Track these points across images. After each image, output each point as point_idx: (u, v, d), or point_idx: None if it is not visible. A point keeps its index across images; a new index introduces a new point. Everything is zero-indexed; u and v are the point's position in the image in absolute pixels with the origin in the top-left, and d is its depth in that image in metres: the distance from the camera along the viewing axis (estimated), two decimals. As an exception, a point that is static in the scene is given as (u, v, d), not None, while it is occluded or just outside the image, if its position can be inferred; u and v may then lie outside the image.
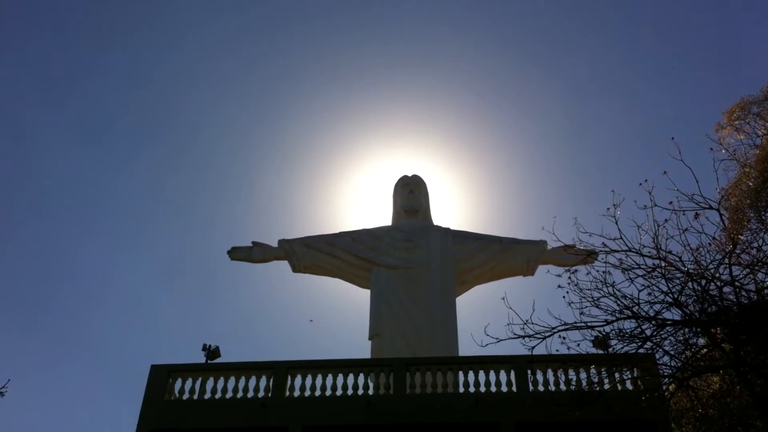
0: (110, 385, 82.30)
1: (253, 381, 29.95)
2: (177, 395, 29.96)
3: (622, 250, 21.56)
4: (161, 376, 30.20)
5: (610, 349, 22.37)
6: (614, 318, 21.39)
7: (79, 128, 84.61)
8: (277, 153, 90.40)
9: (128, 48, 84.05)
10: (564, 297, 21.75)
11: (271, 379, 29.80)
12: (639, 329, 21.40)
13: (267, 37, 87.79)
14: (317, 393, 29.52)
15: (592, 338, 22.34)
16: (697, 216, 21.24)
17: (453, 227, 42.25)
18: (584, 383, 26.55)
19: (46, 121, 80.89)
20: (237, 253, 40.99)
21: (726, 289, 21.59)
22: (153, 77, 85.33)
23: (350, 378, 29.78)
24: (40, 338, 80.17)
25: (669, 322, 21.28)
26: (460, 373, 29.76)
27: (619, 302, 21.42)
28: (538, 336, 21.25)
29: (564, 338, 21.43)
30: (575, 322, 21.44)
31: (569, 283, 21.84)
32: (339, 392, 29.46)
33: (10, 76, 77.17)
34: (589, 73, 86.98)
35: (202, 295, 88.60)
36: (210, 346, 31.48)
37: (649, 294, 21.47)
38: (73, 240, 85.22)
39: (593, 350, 23.03)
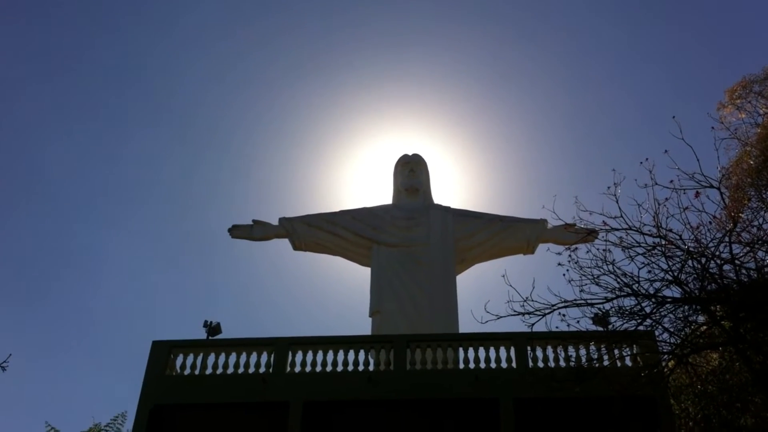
0: (112, 361, 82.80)
1: (254, 357, 30.11)
2: (178, 371, 30.13)
3: (623, 229, 21.64)
4: (163, 352, 30.36)
5: (610, 326, 22.51)
6: (614, 295, 21.53)
7: (74, 108, 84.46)
8: (277, 131, 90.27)
9: (123, 27, 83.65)
10: (564, 275, 21.89)
11: (272, 355, 29.96)
12: (639, 306, 21.55)
13: (264, 17, 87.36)
14: (318, 369, 29.70)
15: (592, 315, 22.52)
16: (697, 194, 21.28)
17: (453, 206, 42.29)
18: (584, 360, 26.73)
19: (40, 101, 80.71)
20: (237, 231, 41.04)
21: (726, 267, 21.71)
22: (149, 57, 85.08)
23: (351, 354, 29.95)
24: (40, 316, 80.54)
25: (669, 300, 21.41)
26: (460, 350, 29.91)
27: (619, 280, 21.55)
28: (538, 313, 21.42)
29: (564, 315, 21.62)
30: (575, 300, 21.60)
31: (569, 261, 21.99)
32: (340, 368, 29.64)
33: (3, 55, 76.84)
34: (589, 51, 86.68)
35: (203, 273, 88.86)
36: (211, 322, 31.57)
37: (649, 272, 21.62)
38: (70, 219, 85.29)
39: (593, 327, 23.18)
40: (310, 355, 30.11)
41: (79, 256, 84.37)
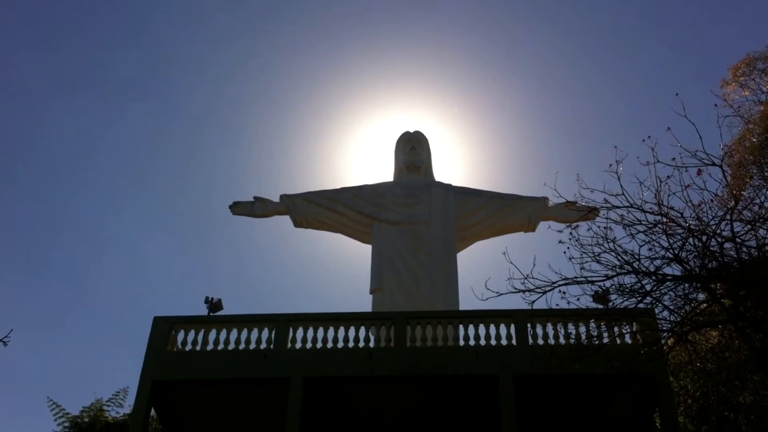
0: (112, 336, 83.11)
1: (255, 333, 30.20)
2: (180, 347, 30.25)
3: (624, 206, 21.53)
4: (164, 327, 30.46)
5: (610, 304, 22.51)
6: (614, 273, 21.46)
7: (73, 76, 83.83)
8: (278, 107, 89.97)
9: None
10: (565, 252, 21.79)
11: (273, 331, 30.06)
12: (639, 284, 21.49)
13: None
14: (318, 345, 29.82)
15: (592, 293, 22.49)
16: (699, 172, 21.14)
17: (455, 183, 42.26)
18: (583, 337, 26.82)
19: (39, 69, 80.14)
20: (239, 208, 41.03)
21: (727, 245, 21.64)
22: (150, 24, 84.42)
23: (351, 331, 30.04)
24: (41, 290, 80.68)
25: (669, 278, 21.37)
26: (461, 327, 30.02)
27: (619, 258, 21.47)
28: (539, 290, 21.34)
29: (564, 293, 21.53)
30: (575, 277, 21.51)
31: (570, 239, 21.86)
32: (340, 344, 29.74)
33: (2, 23, 76.34)
34: (592, 26, 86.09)
35: (205, 249, 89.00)
36: (212, 298, 31.63)
37: (650, 250, 21.52)
38: (69, 191, 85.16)
39: (593, 305, 23.20)
40: (310, 332, 30.20)
41: (79, 229, 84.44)
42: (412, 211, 39.75)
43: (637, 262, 21.37)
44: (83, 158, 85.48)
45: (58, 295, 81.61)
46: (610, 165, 21.53)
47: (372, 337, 29.97)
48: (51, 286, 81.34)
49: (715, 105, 23.12)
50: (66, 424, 37.73)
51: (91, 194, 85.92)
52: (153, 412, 30.18)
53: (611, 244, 21.46)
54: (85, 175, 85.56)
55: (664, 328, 22.52)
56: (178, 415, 30.88)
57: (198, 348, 30.06)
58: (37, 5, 78.56)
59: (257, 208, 40.90)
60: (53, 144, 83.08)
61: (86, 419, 37.74)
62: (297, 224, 41.01)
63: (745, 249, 21.71)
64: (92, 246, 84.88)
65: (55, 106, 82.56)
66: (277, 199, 41.03)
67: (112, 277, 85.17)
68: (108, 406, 38.65)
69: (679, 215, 21.43)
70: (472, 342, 29.38)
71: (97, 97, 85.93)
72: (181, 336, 30.53)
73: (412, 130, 44.06)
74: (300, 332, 30.21)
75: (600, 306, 23.28)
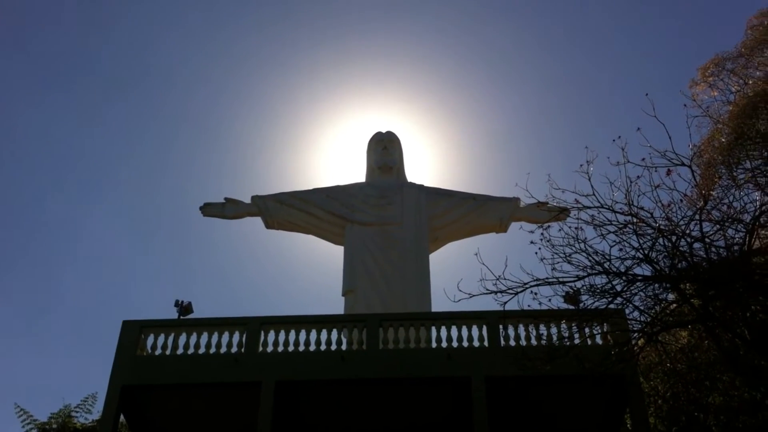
0: (80, 341, 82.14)
1: (226, 336, 29.88)
2: (149, 351, 29.83)
3: (595, 207, 21.66)
4: (133, 331, 30.01)
5: (581, 305, 22.57)
6: (585, 274, 21.57)
7: (47, 77, 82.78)
8: (251, 108, 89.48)
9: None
10: (536, 253, 21.85)
11: (245, 335, 29.77)
12: (610, 285, 21.61)
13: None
14: (291, 348, 29.55)
15: (564, 294, 22.55)
16: (669, 172, 21.33)
17: (427, 184, 42.21)
18: (555, 338, 26.84)
19: (12, 69, 78.99)
20: (210, 210, 40.64)
21: (696, 245, 21.82)
22: (122, 23, 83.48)
23: (324, 333, 29.82)
24: (7, 293, 79.36)
25: (639, 278, 21.49)
26: (433, 329, 29.91)
27: (590, 258, 21.58)
28: (510, 291, 21.37)
29: (536, 294, 21.59)
30: (547, 278, 21.59)
31: (541, 240, 21.94)
32: (312, 347, 29.51)
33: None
34: (561, 26, 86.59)
35: (175, 251, 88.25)
36: (182, 302, 31.25)
37: (620, 250, 21.67)
38: (40, 193, 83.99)
39: (564, 305, 23.25)
40: (282, 335, 29.93)
41: (49, 231, 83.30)
42: (385, 211, 39.62)
43: (608, 263, 21.48)
44: (53, 159, 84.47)
45: (26, 299, 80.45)
46: (581, 165, 21.65)
47: (344, 340, 29.77)
48: (18, 289, 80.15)
49: (685, 105, 23.30)
50: (34, 431, 37.17)
51: (61, 195, 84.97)
52: (122, 417, 29.76)
53: (582, 245, 21.57)
54: (54, 176, 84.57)
55: (635, 329, 22.64)
56: (148, 420, 30.47)
57: (168, 352, 29.67)
58: (8, 3, 77.40)
59: (228, 209, 40.53)
60: (23, 144, 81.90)
61: (54, 426, 37.25)
62: (268, 226, 40.70)
63: (714, 249, 21.89)
64: (61, 248, 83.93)
65: (26, 106, 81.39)
66: (248, 201, 40.71)
67: (81, 280, 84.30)
68: (77, 412, 38.20)
69: (649, 215, 21.60)
70: (444, 344, 29.30)
71: (69, 97, 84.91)
72: (150, 340, 30.13)
73: (384, 131, 43.96)
74: (272, 335, 29.94)
75: (571, 307, 23.36)
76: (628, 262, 21.57)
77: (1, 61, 77.99)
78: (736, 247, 22.17)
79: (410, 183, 42.16)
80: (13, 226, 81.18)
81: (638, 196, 21.43)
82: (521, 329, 29.30)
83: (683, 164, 21.38)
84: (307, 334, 29.83)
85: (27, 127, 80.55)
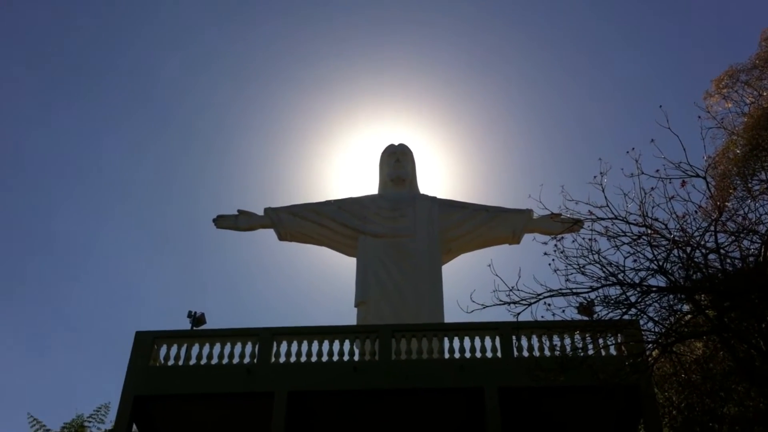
0: (94, 351, 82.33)
1: (238, 347, 29.92)
2: (162, 361, 29.94)
3: (609, 218, 21.56)
4: (146, 342, 30.13)
5: (595, 316, 22.48)
6: (599, 285, 21.47)
7: (57, 90, 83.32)
8: (263, 120, 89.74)
9: (109, 7, 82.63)
10: (550, 264, 21.79)
11: (257, 346, 29.80)
12: (624, 296, 21.50)
13: (244, 8, 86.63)
14: (303, 359, 29.56)
15: (577, 305, 22.47)
16: (683, 184, 21.23)
17: (440, 196, 42.24)
18: (568, 349, 26.74)
19: (23, 82, 79.57)
20: (223, 222, 40.81)
21: (711, 257, 21.71)
22: (134, 39, 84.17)
23: (336, 344, 29.82)
24: (20, 305, 79.63)
25: (654, 289, 21.38)
26: (446, 340, 29.87)
27: (604, 269, 21.48)
28: (524, 302, 21.28)
29: (549, 305, 21.48)
30: (561, 289, 21.49)
31: (555, 251, 21.87)
32: (325, 358, 29.51)
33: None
34: (576, 39, 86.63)
35: (188, 263, 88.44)
36: (195, 313, 31.35)
37: (635, 261, 21.57)
38: (53, 206, 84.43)
39: (578, 317, 23.16)
40: (294, 345, 29.95)
41: (62, 242, 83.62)
42: (397, 224, 39.70)
43: (622, 274, 21.37)
44: (65, 172, 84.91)
45: (40, 309, 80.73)
46: (595, 177, 21.57)
47: (357, 351, 29.78)
48: (32, 299, 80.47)
49: (699, 117, 23.37)
50: (47, 441, 37.22)
51: (74, 207, 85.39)
52: (135, 427, 29.77)
53: (596, 256, 21.47)
54: (67, 187, 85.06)
55: (649, 340, 22.52)
56: (161, 430, 30.48)
57: (181, 363, 29.74)
58: (15, 15, 78.10)
59: (241, 221, 40.68)
60: (35, 156, 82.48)
61: (67, 435, 37.24)
62: (281, 237, 40.80)
63: (729, 260, 21.78)
64: (74, 259, 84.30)
65: (36, 120, 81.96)
66: (261, 213, 40.84)
67: (95, 291, 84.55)
68: (89, 422, 38.12)
69: (663, 227, 21.50)
70: (457, 355, 29.25)
71: (79, 110, 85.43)
72: (163, 350, 30.23)
73: (396, 143, 44.09)
74: (284, 346, 29.97)
75: (585, 318, 23.27)
76: (643, 273, 21.47)
77: (13, 74, 78.80)
78: (751, 258, 22.06)
79: (423, 195, 42.21)
80: (26, 238, 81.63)
81: (652, 207, 21.35)
82: (534, 340, 29.21)
83: (698, 176, 21.30)
84: (320, 345, 29.84)
85: (38, 140, 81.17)
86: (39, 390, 74.11)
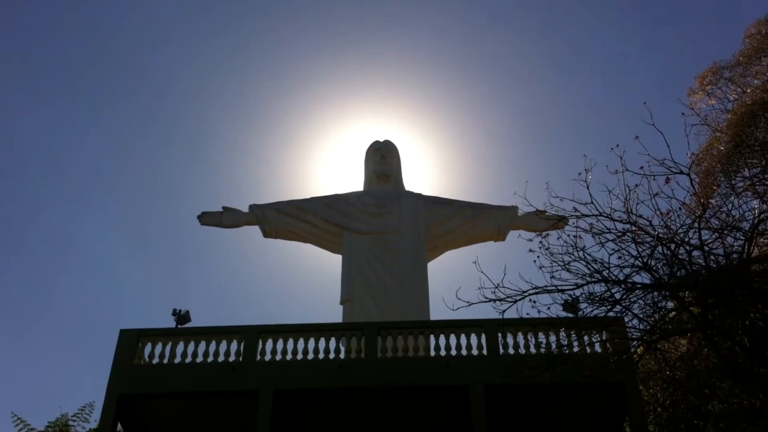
0: (78, 349, 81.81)
1: (223, 345, 29.81)
2: (147, 360, 29.76)
3: (593, 215, 21.64)
4: (131, 340, 29.94)
5: (580, 313, 22.54)
6: (584, 282, 21.52)
7: (40, 86, 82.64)
8: (248, 117, 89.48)
9: (92, 1, 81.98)
10: (535, 261, 21.83)
11: (242, 343, 29.70)
12: (609, 293, 21.57)
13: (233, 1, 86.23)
14: (288, 357, 29.49)
15: (563, 302, 22.53)
16: (667, 181, 21.33)
17: (425, 193, 42.21)
18: (554, 346, 26.81)
19: (6, 78, 78.86)
20: (207, 218, 40.55)
21: (695, 253, 21.79)
22: (117, 34, 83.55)
23: (321, 342, 29.76)
24: (3, 301, 78.95)
25: (638, 286, 21.46)
26: (431, 337, 29.87)
27: (589, 266, 21.54)
28: (509, 300, 21.32)
29: (534, 302, 21.53)
30: (546, 286, 21.54)
31: (540, 248, 21.91)
32: (310, 356, 29.45)
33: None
34: (560, 35, 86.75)
35: (172, 260, 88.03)
36: (180, 310, 31.20)
37: (619, 258, 21.65)
38: (36, 203, 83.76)
39: (563, 314, 23.19)
40: (280, 343, 29.86)
41: (45, 239, 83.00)
42: (383, 220, 39.63)
43: (607, 271, 21.44)
44: (48, 168, 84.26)
45: (22, 307, 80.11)
46: (579, 174, 21.63)
47: (342, 348, 29.72)
48: (15, 297, 79.86)
49: (683, 114, 23.37)
50: (31, 439, 37.00)
51: (57, 204, 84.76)
52: (120, 426, 29.63)
53: (581, 253, 21.54)
54: (49, 185, 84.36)
55: (634, 337, 22.59)
56: (146, 429, 30.35)
57: (165, 361, 29.59)
58: (3, 11, 77.36)
59: (226, 218, 40.46)
60: (18, 154, 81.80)
61: (51, 434, 37.04)
62: (266, 234, 40.64)
63: (713, 257, 21.87)
64: (57, 257, 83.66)
65: (19, 116, 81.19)
66: (246, 210, 40.65)
67: (78, 289, 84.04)
68: (74, 420, 37.95)
69: (647, 224, 21.57)
70: (442, 352, 29.25)
71: (63, 106, 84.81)
72: (148, 349, 30.05)
73: (381, 140, 43.99)
74: (269, 344, 29.87)
75: (570, 315, 23.30)
76: (627, 270, 21.56)
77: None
78: (735, 255, 22.17)
79: (408, 192, 42.14)
80: (9, 235, 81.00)
81: (637, 204, 21.44)
82: (520, 337, 29.25)
83: (682, 172, 21.40)
84: (305, 343, 29.77)
85: (21, 137, 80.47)
86: (23, 389, 73.57)
